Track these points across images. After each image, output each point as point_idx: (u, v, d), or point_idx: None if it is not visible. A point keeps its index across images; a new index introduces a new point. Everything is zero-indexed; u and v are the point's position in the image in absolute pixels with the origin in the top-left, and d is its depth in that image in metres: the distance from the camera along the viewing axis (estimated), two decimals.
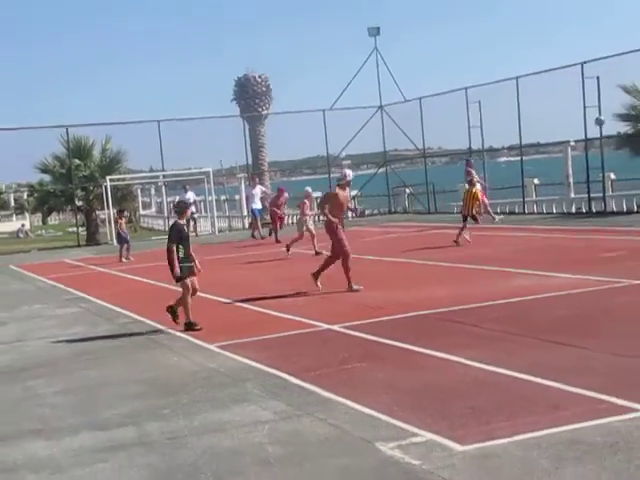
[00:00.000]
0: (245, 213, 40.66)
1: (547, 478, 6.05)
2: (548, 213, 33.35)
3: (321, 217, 17.76)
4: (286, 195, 30.17)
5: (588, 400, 7.79)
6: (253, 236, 31.04)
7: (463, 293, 14.29)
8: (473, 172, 27.36)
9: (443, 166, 46.50)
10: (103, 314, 15.76)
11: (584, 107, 30.04)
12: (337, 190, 16.31)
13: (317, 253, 22.16)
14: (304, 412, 8.13)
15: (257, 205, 32.10)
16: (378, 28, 41.44)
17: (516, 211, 34.29)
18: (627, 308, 12.28)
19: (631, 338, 10.22)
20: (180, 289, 13.14)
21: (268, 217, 30.46)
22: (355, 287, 15.51)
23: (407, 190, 41.98)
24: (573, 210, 32.17)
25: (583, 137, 31.22)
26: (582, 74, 29.77)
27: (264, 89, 41.12)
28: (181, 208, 14.16)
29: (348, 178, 16.51)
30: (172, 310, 13.20)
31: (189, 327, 12.96)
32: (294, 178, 47.85)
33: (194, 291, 13.16)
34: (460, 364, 9.53)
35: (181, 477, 6.69)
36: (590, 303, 13.00)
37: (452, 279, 16.51)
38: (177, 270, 12.87)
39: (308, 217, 24.06)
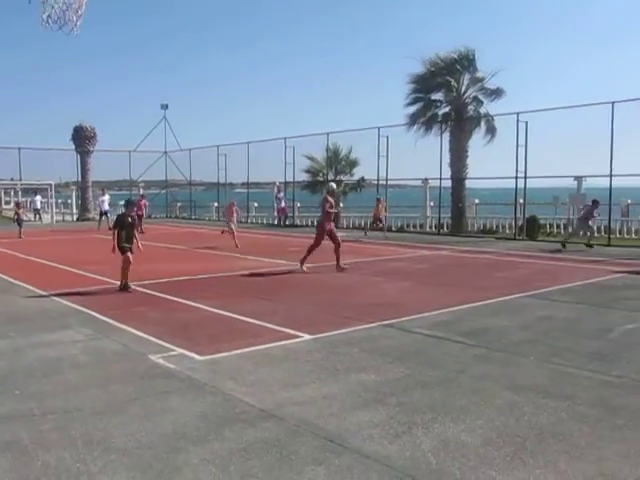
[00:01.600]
0: (75, 211, 39.01)
1: (250, 374, 6.26)
2: (261, 223, 34.10)
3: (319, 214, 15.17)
4: (144, 201, 28.76)
5: (274, 331, 8.09)
6: (98, 228, 28.46)
7: (210, 267, 14.33)
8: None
9: (202, 191, 45.93)
10: None
11: (285, 163, 31.26)
12: (328, 197, 14.37)
13: (237, 246, 19.46)
14: (104, 335, 7.91)
15: (106, 207, 29.15)
16: (167, 105, 40.90)
17: (242, 221, 34.79)
18: (299, 280, 12.83)
19: (299, 296, 10.65)
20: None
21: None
22: (304, 268, 13.83)
23: (178, 204, 41.81)
24: (275, 222, 33.06)
25: (284, 180, 32.27)
26: (285, 145, 30.91)
27: (92, 134, 39.15)
28: (126, 205, 12.17)
29: (331, 189, 14.78)
30: (125, 285, 11.30)
31: (124, 288, 11.23)
32: (109, 192, 45.94)
33: (129, 263, 11.27)
34: (203, 309, 9.57)
35: (22, 373, 6.34)
36: (280, 276, 13.38)
37: (205, 260, 16.47)
38: (116, 246, 11.25)
39: (234, 220, 20.71)
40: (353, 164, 31.41)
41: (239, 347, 7.25)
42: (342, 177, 31.63)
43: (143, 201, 28.38)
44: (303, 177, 32.43)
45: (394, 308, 9.51)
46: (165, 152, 40.83)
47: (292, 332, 7.96)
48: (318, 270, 14.20)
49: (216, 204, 38.34)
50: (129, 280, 11.33)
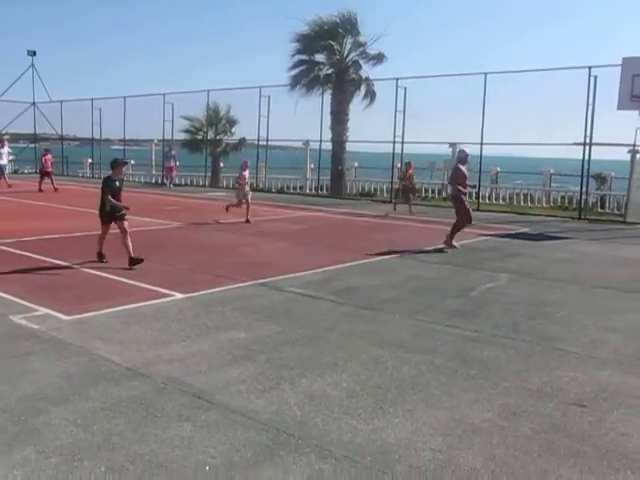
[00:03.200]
0: None
1: (118, 333, 6.14)
2: (139, 182, 32.99)
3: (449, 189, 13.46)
4: (49, 156, 25.37)
5: (146, 290, 7.98)
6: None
7: (82, 226, 13.64)
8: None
9: (76, 147, 43.75)
10: None
11: (164, 121, 30.26)
12: (460, 166, 12.25)
13: (247, 221, 15.29)
14: None
15: (4, 162, 26.40)
16: (34, 51, 38.11)
17: (136, 180, 33.66)
18: (176, 239, 12.60)
19: (174, 256, 10.46)
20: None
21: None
22: (455, 244, 12.05)
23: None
24: (153, 181, 32.23)
25: (162, 138, 31.38)
26: (164, 101, 29.94)
27: None
28: (113, 166, 9.99)
29: (463, 155, 12.46)
30: (134, 260, 9.39)
31: (99, 258, 9.77)
32: None
33: (125, 231, 9.61)
34: (73, 268, 9.25)
35: None
36: (156, 235, 13.06)
37: (77, 217, 15.69)
38: (120, 205, 9.70)
39: (247, 187, 16.09)
40: (233, 123, 31.04)
41: (109, 306, 7.08)
42: (223, 137, 31.22)
43: (48, 156, 25.54)
44: (183, 135, 31.70)
45: (269, 268, 9.59)
46: (33, 103, 38.24)
47: (165, 291, 7.87)
48: (196, 229, 14.02)
49: (90, 160, 36.73)
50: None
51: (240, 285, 8.35)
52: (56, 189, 23.79)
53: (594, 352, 6.01)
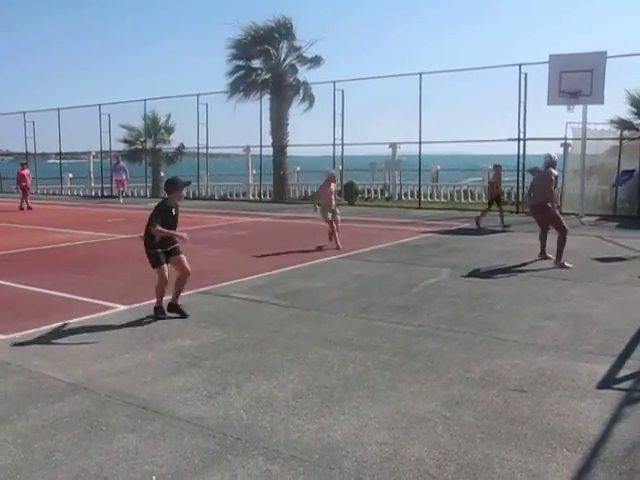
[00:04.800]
0: None
1: (59, 350, 6.01)
2: (77, 195, 32.24)
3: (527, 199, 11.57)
4: (27, 171, 23.88)
5: (88, 304, 7.82)
6: None
7: (19, 242, 13.31)
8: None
9: (10, 162, 42.46)
10: None
11: (100, 132, 29.70)
12: (553, 171, 10.71)
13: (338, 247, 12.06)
14: None
15: None
16: None
17: (56, 193, 32.78)
18: (118, 251, 12.28)
19: (116, 268, 10.24)
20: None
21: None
22: (566, 264, 10.09)
23: None
24: (93, 193, 31.54)
25: (99, 150, 30.77)
26: (100, 112, 29.38)
27: None
28: (170, 187, 7.29)
29: (554, 159, 10.90)
30: (176, 308, 7.30)
31: (159, 313, 7.18)
32: None
33: (186, 270, 7.34)
34: (10, 286, 8.94)
35: None
36: (97, 248, 12.84)
37: (13, 234, 15.25)
38: (174, 233, 7.26)
39: (333, 204, 12.65)
40: (171, 131, 30.67)
41: (50, 322, 6.91)
42: (162, 145, 30.82)
43: (26, 171, 23.76)
44: (121, 146, 31.06)
45: (212, 275, 9.50)
46: None
47: (107, 304, 7.75)
48: (139, 241, 13.77)
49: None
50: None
51: (183, 294, 8.22)
52: (30, 207, 22.30)
53: (533, 339, 6.20)
